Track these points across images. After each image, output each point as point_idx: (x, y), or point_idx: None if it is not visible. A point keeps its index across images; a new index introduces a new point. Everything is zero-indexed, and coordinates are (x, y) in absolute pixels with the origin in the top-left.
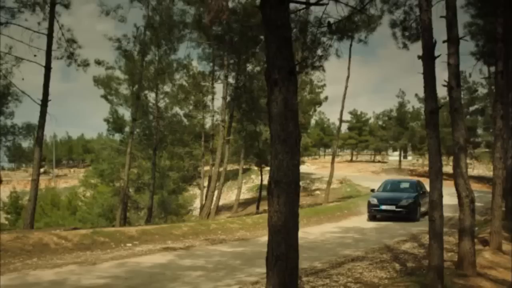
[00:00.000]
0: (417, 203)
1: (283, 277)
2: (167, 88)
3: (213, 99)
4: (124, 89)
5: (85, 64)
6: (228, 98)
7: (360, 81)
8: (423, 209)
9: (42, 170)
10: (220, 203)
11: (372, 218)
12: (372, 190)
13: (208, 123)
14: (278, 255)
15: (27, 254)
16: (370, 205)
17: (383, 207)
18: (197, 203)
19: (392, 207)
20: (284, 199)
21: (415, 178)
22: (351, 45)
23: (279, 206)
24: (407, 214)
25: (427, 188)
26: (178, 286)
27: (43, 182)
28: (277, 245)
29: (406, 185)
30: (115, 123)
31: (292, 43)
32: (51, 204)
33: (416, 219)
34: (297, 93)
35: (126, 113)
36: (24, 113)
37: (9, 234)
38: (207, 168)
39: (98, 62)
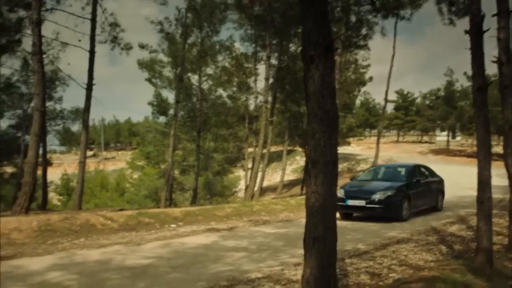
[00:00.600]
0: (401, 196)
1: (321, 259)
2: (210, 70)
3: (256, 80)
4: (167, 72)
5: (128, 47)
6: (271, 79)
7: (406, 60)
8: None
9: (91, 153)
10: (265, 184)
11: (344, 216)
12: (353, 178)
13: (252, 104)
14: (316, 237)
15: (75, 234)
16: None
17: (350, 202)
18: (242, 185)
19: (361, 203)
20: (322, 180)
21: (463, 159)
22: (396, 23)
23: (317, 186)
24: (383, 212)
25: (443, 174)
26: (220, 267)
27: (92, 165)
28: (314, 227)
29: (398, 171)
30: (160, 106)
31: (329, 18)
32: (100, 186)
33: (402, 218)
34: (334, 70)
35: (170, 95)
36: (73, 98)
37: (58, 215)
38: (251, 149)
39: (142, 46)
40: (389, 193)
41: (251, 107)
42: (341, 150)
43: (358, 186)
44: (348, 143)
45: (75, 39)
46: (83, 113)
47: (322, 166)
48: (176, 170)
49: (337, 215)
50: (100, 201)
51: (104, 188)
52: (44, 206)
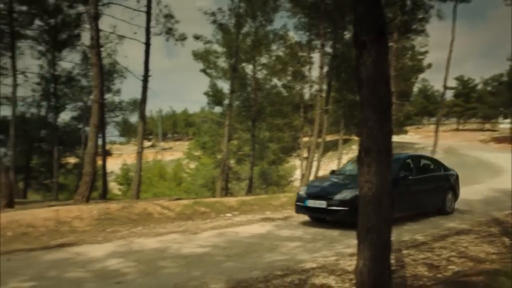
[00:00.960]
0: None
1: (374, 250)
2: (264, 59)
3: (310, 69)
4: (222, 62)
5: (182, 38)
6: (326, 68)
7: (467, 45)
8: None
9: (149, 143)
10: (321, 173)
11: (316, 220)
12: (334, 172)
13: (306, 93)
14: (369, 228)
15: (133, 222)
16: (297, 199)
17: (310, 203)
18: (297, 174)
19: (322, 204)
20: (375, 169)
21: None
22: (455, 6)
23: (370, 175)
24: (349, 216)
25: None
26: (275, 256)
27: (150, 155)
28: (367, 217)
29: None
30: (215, 96)
31: (381, 2)
32: (158, 176)
33: None
34: (388, 56)
35: (225, 86)
36: (131, 90)
37: (117, 204)
38: (307, 139)
39: (197, 37)
40: (357, 193)
41: (306, 96)
42: (398, 138)
43: (320, 185)
44: (406, 132)
45: (131, 32)
46: (140, 105)
47: (375, 155)
48: (232, 159)
49: (307, 218)
50: (158, 190)
51: (162, 178)
52: (104, 195)
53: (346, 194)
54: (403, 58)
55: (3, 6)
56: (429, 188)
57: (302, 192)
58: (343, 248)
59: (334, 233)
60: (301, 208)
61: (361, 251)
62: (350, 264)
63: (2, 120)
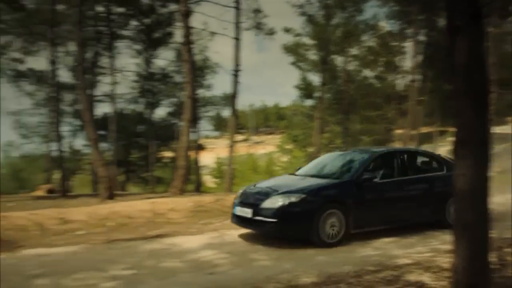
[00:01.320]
0: (319, 206)
1: (471, 248)
2: (354, 51)
3: (403, 59)
4: (312, 55)
5: (271, 32)
6: (419, 57)
7: None
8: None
9: (242, 137)
10: None
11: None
12: (298, 169)
13: (399, 84)
14: (465, 224)
15: (225, 215)
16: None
17: (238, 210)
18: None
19: (247, 213)
20: (471, 161)
21: None
22: None
23: (465, 169)
24: (278, 230)
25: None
26: (368, 251)
27: (243, 149)
28: (463, 213)
29: (352, 161)
30: (305, 89)
31: None
32: (251, 169)
33: (320, 241)
34: (484, 41)
35: (316, 78)
36: (223, 85)
37: (210, 197)
38: (401, 131)
39: (287, 30)
40: (293, 199)
41: (399, 87)
42: (499, 130)
43: (266, 184)
44: (508, 123)
45: (222, 28)
46: (231, 99)
47: (472, 147)
48: (323, 152)
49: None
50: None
51: (255, 171)
52: (198, 188)
53: (275, 201)
54: (504, 44)
55: (102, 9)
56: (416, 195)
57: (236, 199)
58: (439, 244)
59: (429, 228)
60: (232, 217)
61: (457, 248)
62: (447, 261)
63: (103, 116)
